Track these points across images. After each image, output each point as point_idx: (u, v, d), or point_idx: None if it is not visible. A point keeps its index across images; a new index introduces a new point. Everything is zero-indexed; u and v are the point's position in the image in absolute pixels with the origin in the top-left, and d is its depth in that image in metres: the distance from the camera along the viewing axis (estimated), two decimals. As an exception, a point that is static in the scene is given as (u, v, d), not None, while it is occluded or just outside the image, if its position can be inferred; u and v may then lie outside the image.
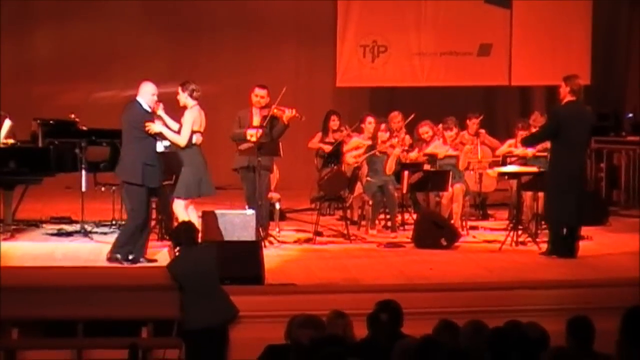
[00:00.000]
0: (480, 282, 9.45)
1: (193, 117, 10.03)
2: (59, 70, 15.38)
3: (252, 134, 10.83)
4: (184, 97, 10.12)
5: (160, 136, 10.03)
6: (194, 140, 10.04)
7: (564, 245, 10.45)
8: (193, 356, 7.83)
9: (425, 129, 12.36)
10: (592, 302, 8.43)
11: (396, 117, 12.64)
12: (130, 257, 9.84)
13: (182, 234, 8.20)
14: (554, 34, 14.90)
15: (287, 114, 10.87)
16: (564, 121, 10.39)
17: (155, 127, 9.91)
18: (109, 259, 9.86)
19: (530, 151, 11.89)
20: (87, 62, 15.42)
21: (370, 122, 12.19)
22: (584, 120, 10.54)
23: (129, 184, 9.94)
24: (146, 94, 10.05)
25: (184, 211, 9.98)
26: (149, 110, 10.02)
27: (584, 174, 10.75)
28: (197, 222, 9.66)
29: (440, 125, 12.32)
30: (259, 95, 11.04)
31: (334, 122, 13.04)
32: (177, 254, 8.62)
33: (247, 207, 10.79)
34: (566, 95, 10.49)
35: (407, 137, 12.61)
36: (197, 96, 10.13)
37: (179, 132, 10.01)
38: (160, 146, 10.84)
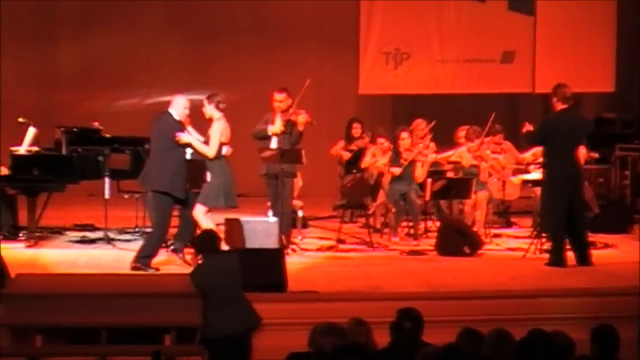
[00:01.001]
0: (503, 290, 9.41)
1: (220, 128, 10.06)
2: (82, 78, 15.45)
3: (274, 131, 10.82)
4: (210, 109, 10.14)
5: (189, 147, 10.04)
6: (223, 152, 10.06)
7: (578, 254, 10.41)
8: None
9: (463, 134, 12.33)
10: (617, 310, 8.37)
11: (420, 124, 12.62)
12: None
13: (204, 242, 8.21)
14: (577, 40, 14.85)
15: (301, 119, 10.85)
16: (555, 129, 10.39)
17: (185, 137, 9.98)
18: (133, 268, 9.88)
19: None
20: (109, 70, 15.48)
21: (381, 143, 12.15)
22: (576, 127, 10.53)
23: (156, 193, 9.95)
24: (178, 107, 10.14)
25: (204, 217, 9.99)
26: (179, 122, 10.09)
27: (580, 181, 10.67)
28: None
29: (464, 133, 12.30)
30: (278, 99, 11.03)
31: (356, 130, 13.05)
32: (199, 261, 8.62)
33: (271, 214, 10.78)
34: (557, 105, 10.51)
35: (432, 144, 12.58)
36: (222, 107, 10.16)
37: (207, 143, 10.02)
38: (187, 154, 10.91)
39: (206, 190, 10.08)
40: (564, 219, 10.30)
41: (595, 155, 12.75)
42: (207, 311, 8.00)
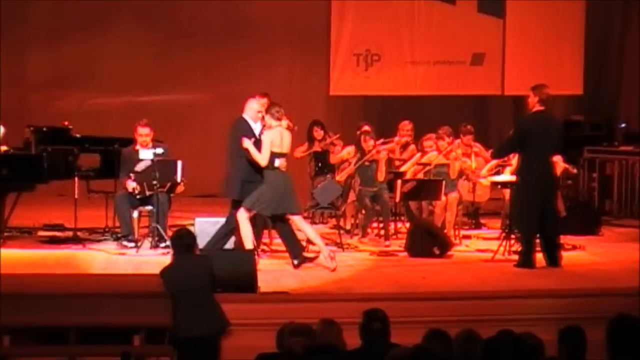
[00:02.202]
0: (472, 291, 9.46)
1: (271, 137, 10.08)
2: (53, 78, 15.38)
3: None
4: (267, 118, 10.20)
5: (247, 153, 10.11)
6: (276, 164, 10.10)
7: (548, 255, 10.48)
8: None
9: (429, 143, 12.33)
10: (584, 311, 8.43)
11: (406, 126, 12.67)
12: None
13: (180, 240, 8.15)
14: (546, 43, 14.93)
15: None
16: (530, 131, 10.44)
17: (245, 143, 10.07)
18: None
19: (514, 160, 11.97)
20: (80, 70, 15.42)
21: (366, 140, 12.16)
22: (550, 129, 10.58)
23: (233, 201, 10.14)
24: (251, 110, 10.27)
25: (246, 222, 10.02)
26: (254, 126, 10.20)
27: (553, 184, 10.74)
28: (248, 236, 9.90)
29: (434, 135, 12.34)
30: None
31: (317, 133, 13.09)
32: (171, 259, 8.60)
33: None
34: (535, 105, 10.54)
35: (413, 146, 12.62)
36: (278, 117, 10.17)
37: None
38: (149, 154, 10.91)
39: (254, 196, 10.06)
40: (537, 220, 10.36)
41: (574, 171, 12.71)
42: (176, 312, 7.98)
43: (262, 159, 10.07)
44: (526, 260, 10.41)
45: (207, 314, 7.89)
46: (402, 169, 12.14)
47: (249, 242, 9.97)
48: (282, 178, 10.18)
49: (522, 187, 10.54)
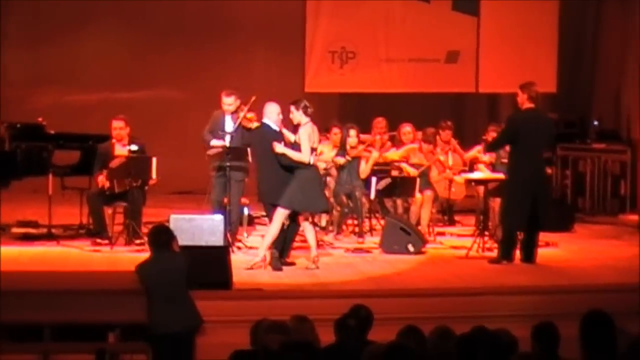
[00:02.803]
0: (447, 288, 9.51)
1: (307, 133, 10.07)
2: (29, 75, 15.31)
3: (216, 145, 10.88)
4: (298, 115, 10.14)
5: (284, 157, 10.07)
6: (312, 161, 10.11)
7: (526, 252, 10.55)
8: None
9: (407, 129, 12.38)
10: (558, 308, 8.49)
11: (380, 123, 12.72)
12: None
13: (158, 237, 8.11)
14: (521, 41, 14.99)
15: (255, 125, 10.87)
16: (521, 128, 10.50)
17: (279, 147, 10.04)
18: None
19: (487, 157, 12.05)
20: (57, 67, 15.36)
21: (335, 133, 12.16)
22: (541, 126, 10.66)
23: (274, 206, 10.04)
24: (272, 114, 10.24)
25: (281, 220, 10.03)
26: (278, 130, 10.22)
27: (544, 181, 10.83)
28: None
29: (420, 134, 12.38)
30: (227, 103, 11.09)
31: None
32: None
33: (213, 211, 10.82)
34: (524, 102, 10.62)
35: (389, 143, 12.66)
36: (310, 112, 10.15)
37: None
38: (124, 151, 10.91)
39: (286, 193, 10.02)
40: (525, 217, 10.41)
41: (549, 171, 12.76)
42: (150, 308, 7.96)
43: (305, 156, 10.03)
44: (506, 254, 10.46)
45: (181, 310, 7.86)
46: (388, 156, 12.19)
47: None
48: (316, 174, 10.23)
49: (513, 183, 10.58)
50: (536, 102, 10.62)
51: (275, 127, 10.27)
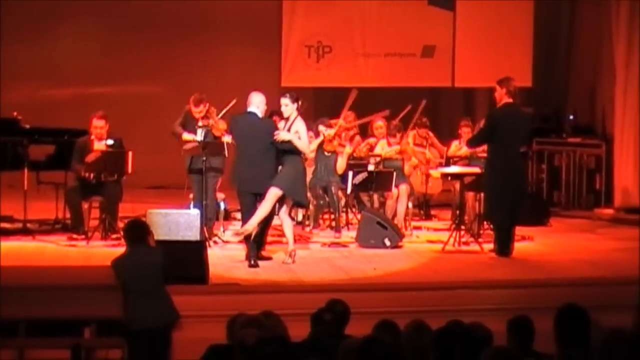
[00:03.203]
0: (423, 282, 9.53)
1: (304, 125, 10.17)
2: (3, 69, 15.21)
3: (188, 139, 10.89)
4: (291, 108, 10.17)
5: (290, 144, 10.05)
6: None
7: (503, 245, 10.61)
8: (135, 356, 7.77)
9: (379, 124, 12.42)
10: (533, 302, 8.52)
11: (349, 117, 12.72)
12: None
13: (134, 231, 8.07)
14: (496, 36, 15.03)
15: (226, 138, 10.84)
16: (500, 124, 10.55)
17: (284, 135, 10.02)
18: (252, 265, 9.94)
19: (464, 150, 12.10)
20: (31, 61, 15.28)
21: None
22: (520, 121, 10.71)
23: (256, 195, 10.04)
24: (261, 104, 10.19)
25: (273, 201, 9.98)
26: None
27: (522, 175, 10.89)
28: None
29: (385, 123, 12.40)
30: (196, 111, 11.06)
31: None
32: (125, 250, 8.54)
33: (192, 206, 10.80)
34: (502, 97, 10.67)
35: (358, 137, 12.68)
36: (299, 107, 10.23)
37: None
38: (102, 145, 10.90)
39: (283, 177, 10.02)
40: (508, 210, 10.47)
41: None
42: (126, 303, 7.94)
43: (306, 146, 10.23)
44: (503, 248, 10.50)
45: (158, 305, 7.85)
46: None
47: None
48: (305, 168, 10.34)
49: (493, 178, 10.64)
50: (514, 97, 10.67)
51: (261, 116, 10.25)
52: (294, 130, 10.10)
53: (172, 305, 7.95)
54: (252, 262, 9.99)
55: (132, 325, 7.78)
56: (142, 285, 7.81)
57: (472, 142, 11.47)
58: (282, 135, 10.01)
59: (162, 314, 7.84)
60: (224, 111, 11.00)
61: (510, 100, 10.63)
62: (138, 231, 8.02)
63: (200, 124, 11.00)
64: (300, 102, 10.27)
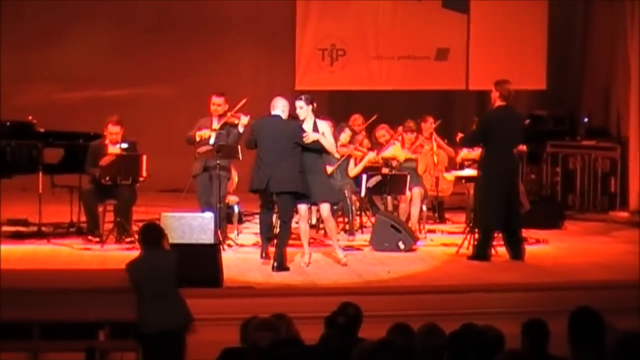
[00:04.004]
0: (437, 285, 9.51)
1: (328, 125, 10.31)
2: (17, 72, 15.27)
3: (202, 134, 10.92)
4: (307, 110, 10.23)
5: (318, 144, 10.13)
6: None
7: (512, 249, 10.55)
8: (148, 358, 7.78)
9: (382, 132, 12.45)
10: (548, 305, 8.50)
11: (357, 120, 12.71)
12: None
13: (149, 235, 8.08)
14: (510, 39, 15.02)
15: (242, 121, 10.92)
16: (493, 125, 10.57)
17: (313, 135, 10.09)
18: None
19: (477, 153, 12.07)
20: (45, 63, 15.32)
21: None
22: (513, 124, 10.71)
23: (288, 194, 10.01)
24: (285, 108, 10.21)
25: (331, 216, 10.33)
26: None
27: (515, 177, 10.87)
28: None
29: (400, 128, 12.39)
30: (216, 103, 11.12)
31: None
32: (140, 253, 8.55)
33: (201, 210, 10.83)
34: (496, 100, 10.69)
35: (366, 140, 12.68)
36: (314, 109, 10.32)
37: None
38: (116, 148, 10.93)
39: (323, 189, 10.17)
40: (500, 214, 10.44)
41: (523, 148, 12.87)
42: (140, 306, 7.95)
43: (333, 145, 10.38)
44: (480, 253, 10.49)
45: (171, 309, 7.86)
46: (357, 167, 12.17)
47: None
48: (322, 165, 10.37)
49: (486, 180, 10.65)
50: (508, 100, 10.68)
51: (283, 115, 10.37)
52: (320, 131, 10.14)
53: (185, 308, 7.97)
54: (264, 255, 10.21)
55: (146, 328, 7.80)
56: (155, 289, 7.83)
57: (465, 142, 11.47)
58: (311, 135, 10.04)
59: (176, 317, 7.86)
60: (234, 110, 11.02)
61: (504, 103, 10.65)
62: (153, 234, 8.03)
63: (215, 124, 11.00)
64: (315, 104, 10.30)
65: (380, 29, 15.04)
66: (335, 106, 15.48)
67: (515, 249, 10.57)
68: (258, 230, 10.98)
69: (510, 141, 10.65)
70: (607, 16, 14.89)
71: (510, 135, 10.61)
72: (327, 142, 10.19)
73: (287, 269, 9.94)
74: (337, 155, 11.03)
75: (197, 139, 11.03)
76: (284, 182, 10.00)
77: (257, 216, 12.90)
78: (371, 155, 12.09)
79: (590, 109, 15.36)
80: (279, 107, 10.18)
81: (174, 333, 7.80)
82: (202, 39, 15.56)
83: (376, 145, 12.45)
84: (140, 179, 11.14)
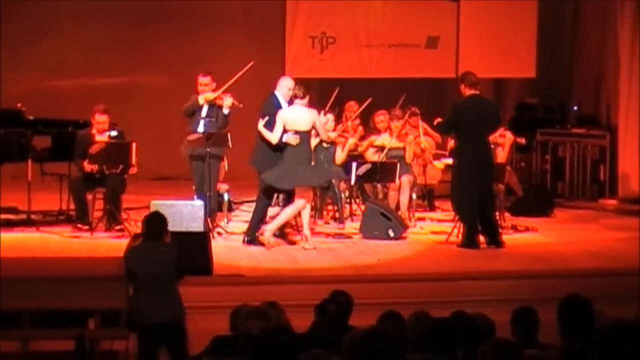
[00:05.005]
0: (427, 273, 9.53)
1: (285, 116, 10.35)
2: (7, 60, 15.20)
3: (206, 97, 10.96)
4: (290, 95, 10.44)
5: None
6: (284, 139, 10.31)
7: (488, 235, 10.57)
8: (144, 349, 7.74)
9: (380, 118, 12.38)
10: (538, 293, 8.52)
11: (352, 107, 12.69)
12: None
13: (153, 225, 8.01)
14: (500, 27, 15.01)
15: (227, 102, 10.91)
16: (462, 115, 10.58)
17: (259, 125, 10.39)
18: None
19: None
20: (35, 52, 15.26)
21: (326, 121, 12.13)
22: (484, 112, 10.72)
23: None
24: (283, 88, 10.42)
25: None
26: (284, 104, 10.43)
27: (490, 166, 10.86)
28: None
29: (385, 111, 12.37)
30: (202, 83, 11.11)
31: None
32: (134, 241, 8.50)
33: (195, 197, 10.81)
34: (465, 91, 10.70)
35: (361, 127, 12.66)
36: (297, 94, 10.36)
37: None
38: (104, 137, 10.92)
39: (273, 173, 10.32)
40: (476, 201, 10.45)
41: (523, 141, 12.92)
42: (134, 295, 7.91)
43: (273, 137, 10.32)
44: (469, 241, 10.51)
45: (167, 302, 7.76)
46: (359, 150, 12.16)
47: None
48: (291, 153, 10.29)
49: (459, 169, 10.70)
50: (477, 87, 10.69)
51: (282, 100, 10.46)
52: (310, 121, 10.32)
53: (179, 303, 7.85)
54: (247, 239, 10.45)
55: (141, 319, 7.73)
56: (153, 280, 7.74)
57: (439, 128, 11.52)
58: (258, 125, 10.35)
59: (171, 311, 7.75)
60: (237, 75, 11.01)
61: (473, 91, 10.66)
62: (157, 225, 7.94)
63: (202, 100, 10.97)
64: (296, 88, 10.43)
65: (370, 17, 15.03)
66: (327, 94, 15.44)
67: (491, 236, 10.56)
68: (248, 219, 10.99)
69: (482, 130, 10.64)
70: (598, 4, 14.89)
71: (481, 124, 10.62)
72: (267, 133, 10.36)
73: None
74: (274, 142, 10.82)
75: (201, 102, 10.95)
76: (260, 161, 10.61)
77: (248, 204, 12.99)
78: (351, 141, 12.05)
79: (580, 97, 15.37)
80: (278, 87, 10.50)
81: (170, 325, 7.70)
82: (193, 28, 15.52)
83: (374, 131, 12.42)
84: (131, 171, 11.12)
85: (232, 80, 10.96)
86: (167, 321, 7.67)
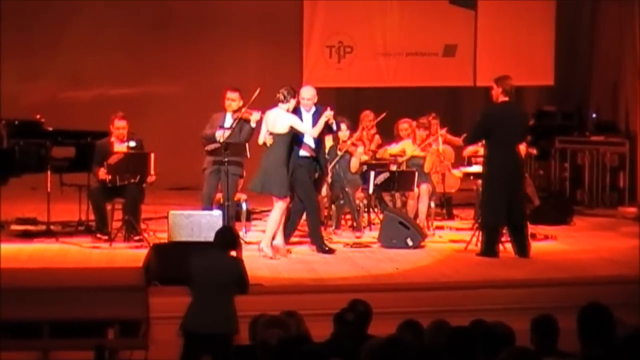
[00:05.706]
0: (446, 281, 9.51)
1: (266, 117, 10.56)
2: (25, 70, 15.29)
3: (220, 135, 10.90)
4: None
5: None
6: (260, 141, 10.56)
7: (517, 246, 10.53)
8: (186, 355, 7.69)
9: (405, 126, 12.38)
10: (557, 301, 8.50)
11: (368, 116, 12.68)
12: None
13: (223, 235, 7.99)
14: (518, 34, 15.00)
15: (255, 116, 10.92)
16: (495, 121, 10.56)
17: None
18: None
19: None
20: (53, 62, 15.34)
21: (341, 130, 12.13)
22: (516, 120, 10.69)
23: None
24: (300, 96, 10.51)
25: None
26: (303, 112, 10.58)
27: (519, 173, 10.83)
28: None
29: (414, 123, 12.37)
30: (231, 98, 11.12)
31: None
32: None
33: (202, 207, 10.86)
34: (499, 96, 10.66)
35: (377, 136, 12.66)
36: (280, 98, 10.43)
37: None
38: (123, 147, 10.95)
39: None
40: (503, 210, 10.42)
41: (534, 152, 12.92)
42: (191, 302, 7.84)
43: (266, 137, 10.53)
44: (488, 250, 10.47)
45: (221, 314, 7.70)
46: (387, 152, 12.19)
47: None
48: (267, 154, 10.42)
49: (488, 177, 10.65)
50: (510, 96, 10.67)
51: (302, 109, 10.61)
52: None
53: (233, 317, 7.77)
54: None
55: (188, 323, 7.69)
56: (210, 290, 7.69)
57: (468, 140, 11.49)
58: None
59: (218, 323, 7.68)
60: (248, 104, 11.03)
61: (507, 98, 10.63)
62: (228, 237, 7.95)
63: (229, 120, 11.01)
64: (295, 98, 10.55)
65: (387, 26, 15.04)
66: (344, 103, 15.47)
67: (520, 245, 10.53)
68: (266, 228, 10.98)
69: (512, 137, 10.61)
70: (615, 10, 14.86)
71: (512, 131, 10.58)
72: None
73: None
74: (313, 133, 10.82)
75: (218, 138, 10.97)
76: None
77: (266, 214, 12.98)
78: (360, 150, 12.03)
79: (598, 104, 15.33)
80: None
81: (220, 337, 7.64)
82: (209, 37, 15.56)
83: (397, 138, 12.42)
84: (149, 179, 11.15)
85: (243, 111, 10.97)
86: (216, 332, 7.60)
